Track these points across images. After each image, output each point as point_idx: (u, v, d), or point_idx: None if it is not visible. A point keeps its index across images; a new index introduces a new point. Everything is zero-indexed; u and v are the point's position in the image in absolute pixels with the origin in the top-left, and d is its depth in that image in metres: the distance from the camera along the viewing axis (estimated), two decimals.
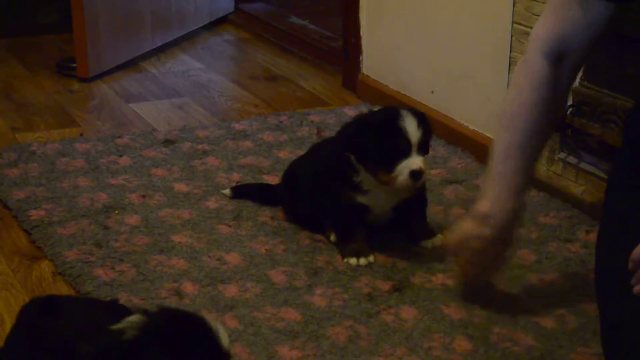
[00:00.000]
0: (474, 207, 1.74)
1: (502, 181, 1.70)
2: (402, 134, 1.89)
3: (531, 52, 1.68)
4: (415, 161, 1.89)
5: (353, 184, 1.97)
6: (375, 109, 2.04)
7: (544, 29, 1.67)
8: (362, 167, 1.95)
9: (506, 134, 1.71)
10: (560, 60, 1.66)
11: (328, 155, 2.05)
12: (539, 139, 1.71)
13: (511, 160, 1.69)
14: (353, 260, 1.98)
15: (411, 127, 1.89)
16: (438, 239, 2.05)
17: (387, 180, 1.92)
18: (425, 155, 1.94)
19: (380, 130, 1.91)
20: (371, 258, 1.98)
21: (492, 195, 1.71)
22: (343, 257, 1.99)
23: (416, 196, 2.02)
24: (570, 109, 2.19)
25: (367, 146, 1.92)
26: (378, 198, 1.99)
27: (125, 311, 1.56)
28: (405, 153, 1.90)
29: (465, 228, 1.75)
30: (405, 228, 2.08)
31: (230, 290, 1.87)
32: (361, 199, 1.98)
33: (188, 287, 1.88)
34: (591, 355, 1.67)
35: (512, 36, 2.38)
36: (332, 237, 2.05)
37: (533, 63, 1.67)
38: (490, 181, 1.72)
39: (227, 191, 2.28)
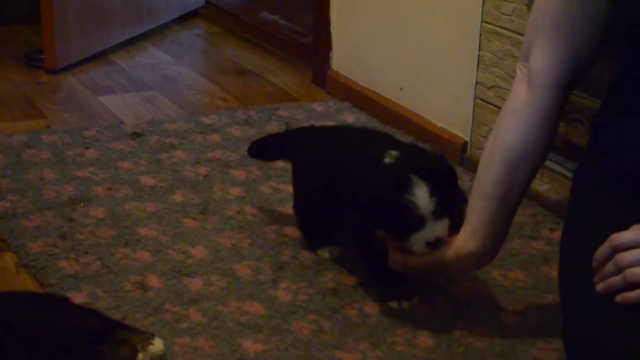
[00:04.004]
0: (460, 244, 1.65)
1: (497, 221, 1.62)
2: (409, 210, 1.64)
3: (543, 89, 1.55)
4: (430, 231, 1.65)
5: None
6: (389, 158, 1.71)
7: (554, 59, 1.54)
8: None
9: (511, 174, 1.59)
10: (575, 83, 1.57)
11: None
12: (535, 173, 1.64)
13: (510, 200, 1.60)
14: (394, 304, 1.83)
15: (421, 200, 1.63)
16: None
17: (404, 248, 1.71)
18: (448, 216, 1.67)
19: (389, 205, 1.66)
20: (415, 300, 1.83)
21: (483, 234, 1.62)
22: (383, 301, 1.84)
23: None
24: None
25: (380, 219, 1.69)
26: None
27: (60, 304, 1.59)
28: (419, 225, 1.65)
29: (447, 259, 1.67)
30: None
31: (195, 284, 1.87)
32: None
33: (153, 280, 1.87)
34: (552, 350, 1.68)
35: (480, 35, 2.39)
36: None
37: (547, 100, 1.55)
38: (482, 219, 1.62)
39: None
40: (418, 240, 1.67)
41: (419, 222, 1.65)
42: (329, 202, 1.88)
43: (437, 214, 1.66)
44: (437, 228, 1.66)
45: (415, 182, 1.64)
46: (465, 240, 1.65)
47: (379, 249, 1.78)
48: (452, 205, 1.69)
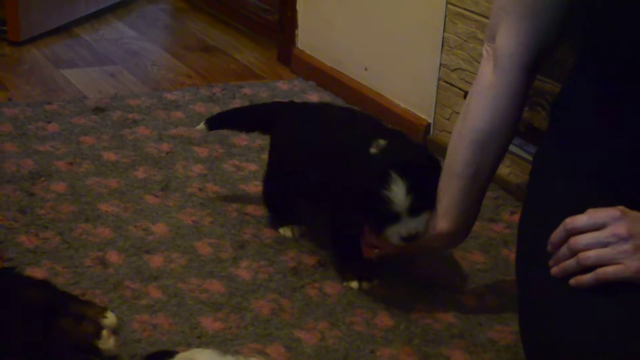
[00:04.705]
0: (432, 224, 1.67)
1: (468, 200, 1.65)
2: (386, 205, 1.65)
3: (509, 70, 1.57)
4: (405, 227, 1.66)
5: None
6: (376, 148, 1.71)
7: (519, 40, 1.55)
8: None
9: (481, 154, 1.61)
10: (539, 64, 1.59)
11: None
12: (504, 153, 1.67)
13: (480, 179, 1.63)
14: (354, 284, 1.84)
15: (398, 196, 1.64)
16: None
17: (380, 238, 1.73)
18: (427, 211, 1.67)
19: (367, 198, 1.67)
20: (374, 281, 1.85)
21: (455, 214, 1.65)
22: (343, 281, 1.85)
23: None
24: None
25: (359, 210, 1.71)
26: None
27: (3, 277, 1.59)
28: (394, 220, 1.67)
29: (424, 243, 1.70)
30: None
31: (156, 261, 1.87)
32: None
33: (113, 257, 1.87)
34: (509, 333, 1.70)
35: (445, 17, 2.40)
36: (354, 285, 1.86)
37: (513, 81, 1.57)
38: (453, 199, 1.64)
39: (201, 125, 2.11)
40: (392, 234, 1.68)
41: (394, 218, 1.66)
42: (306, 179, 1.88)
43: (414, 211, 1.66)
44: (412, 225, 1.66)
45: (394, 178, 1.64)
46: (438, 220, 1.67)
47: (350, 229, 1.80)
48: (433, 200, 1.69)
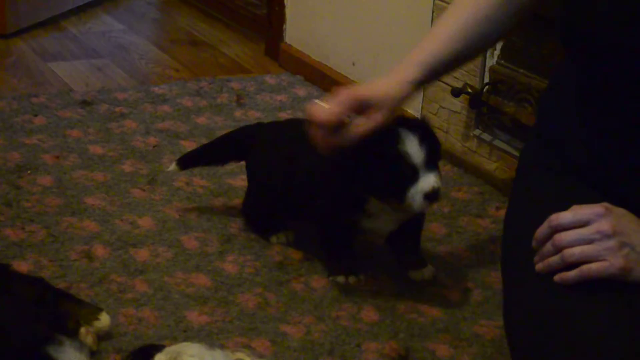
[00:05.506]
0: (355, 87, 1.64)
1: (402, 68, 1.64)
2: (403, 160, 1.65)
3: None
4: (426, 182, 1.65)
5: (361, 211, 1.77)
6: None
7: None
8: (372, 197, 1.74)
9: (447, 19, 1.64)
10: None
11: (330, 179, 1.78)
12: (478, 41, 1.63)
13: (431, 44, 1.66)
14: (341, 278, 1.84)
15: (413, 149, 1.65)
16: (428, 270, 1.86)
17: (402, 208, 1.70)
18: (437, 168, 1.69)
19: (381, 161, 1.66)
20: (361, 276, 1.85)
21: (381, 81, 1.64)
22: (329, 275, 1.85)
23: (414, 218, 1.81)
24: (487, 87, 2.23)
25: (372, 179, 1.69)
26: (381, 222, 1.79)
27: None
28: (413, 177, 1.66)
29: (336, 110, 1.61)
30: (396, 254, 1.89)
31: (142, 255, 1.87)
32: (365, 223, 1.79)
33: (99, 250, 1.87)
34: (494, 327, 1.71)
35: (433, 12, 2.40)
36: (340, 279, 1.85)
37: None
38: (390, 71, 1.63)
39: (172, 167, 2.06)
40: (416, 194, 1.66)
41: (413, 175, 1.66)
42: (298, 188, 1.85)
43: (430, 164, 1.67)
44: (432, 179, 1.66)
45: (405, 133, 1.66)
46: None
47: (341, 229, 1.81)
48: (437, 159, 1.70)
